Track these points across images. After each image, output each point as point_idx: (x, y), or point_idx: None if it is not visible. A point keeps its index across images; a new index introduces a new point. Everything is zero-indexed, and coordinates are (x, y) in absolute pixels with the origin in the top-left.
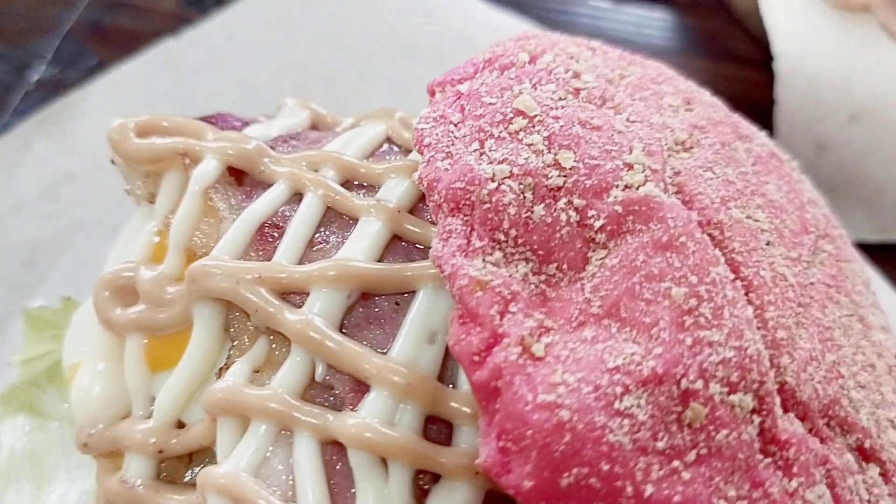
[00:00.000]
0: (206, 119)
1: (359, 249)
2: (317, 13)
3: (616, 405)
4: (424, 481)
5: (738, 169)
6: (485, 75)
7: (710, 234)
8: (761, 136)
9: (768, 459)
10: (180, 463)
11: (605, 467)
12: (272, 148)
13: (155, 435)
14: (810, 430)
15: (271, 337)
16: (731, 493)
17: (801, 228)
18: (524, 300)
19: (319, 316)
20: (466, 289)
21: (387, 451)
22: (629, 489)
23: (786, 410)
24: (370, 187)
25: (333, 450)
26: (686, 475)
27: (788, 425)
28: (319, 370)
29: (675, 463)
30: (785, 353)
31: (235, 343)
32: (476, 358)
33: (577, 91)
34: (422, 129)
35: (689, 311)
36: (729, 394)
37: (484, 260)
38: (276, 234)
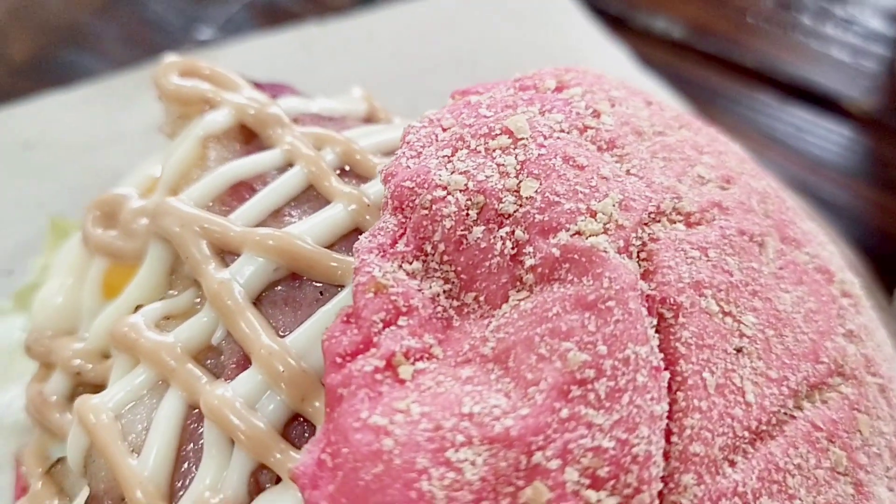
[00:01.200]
0: (259, 84)
1: (311, 229)
2: (457, 31)
3: (448, 454)
4: (265, 478)
5: (746, 262)
6: (501, 90)
7: (659, 313)
8: (826, 248)
9: None
10: (94, 391)
11: None
12: (297, 122)
13: (79, 357)
14: None
15: (199, 291)
16: None
17: (808, 354)
18: (420, 319)
19: (240, 281)
20: (362, 287)
21: (235, 434)
22: None
23: None
24: (362, 179)
25: (196, 418)
26: None
27: None
28: (218, 333)
29: None
30: (692, 471)
31: (172, 289)
32: (338, 360)
33: (585, 129)
34: (410, 128)
35: (580, 382)
36: (588, 488)
37: (400, 265)
38: (247, 196)
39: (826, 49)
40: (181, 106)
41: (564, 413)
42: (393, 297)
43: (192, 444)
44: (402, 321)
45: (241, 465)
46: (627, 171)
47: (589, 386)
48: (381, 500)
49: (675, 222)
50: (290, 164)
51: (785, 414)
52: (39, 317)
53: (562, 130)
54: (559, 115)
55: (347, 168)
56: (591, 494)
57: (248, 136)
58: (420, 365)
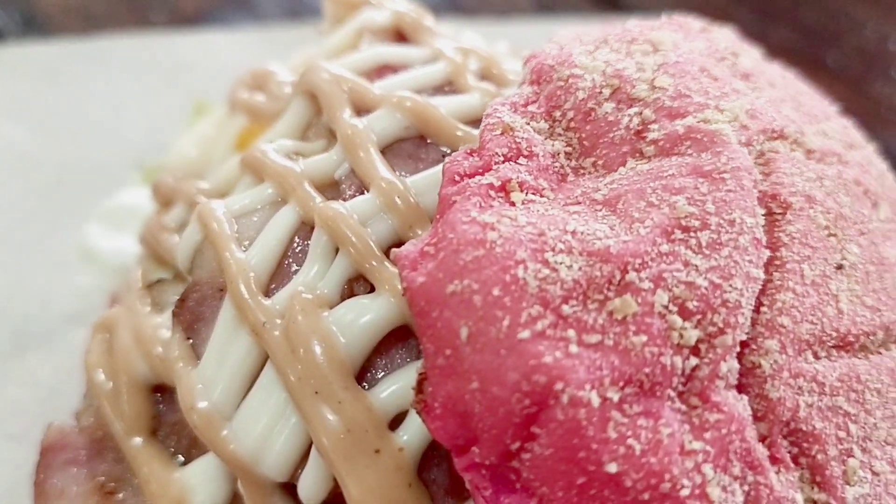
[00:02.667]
0: None
1: (446, 105)
2: None
3: (547, 255)
4: (360, 288)
5: (858, 207)
6: (650, 22)
7: (768, 207)
8: None
9: (680, 405)
10: None
11: (496, 292)
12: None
13: (203, 193)
14: (762, 439)
15: (331, 142)
16: (613, 396)
17: None
18: (539, 164)
19: (372, 130)
20: (490, 126)
21: (343, 240)
22: (505, 322)
23: (739, 391)
24: (499, 88)
25: (305, 233)
26: (573, 349)
27: (730, 398)
28: (341, 169)
29: (570, 332)
30: (777, 339)
31: (305, 140)
32: (456, 177)
33: (723, 58)
34: (563, 34)
35: (684, 228)
36: (675, 313)
37: (528, 122)
38: (389, 74)
39: None
40: (344, 8)
41: (665, 248)
42: (518, 139)
43: (297, 251)
44: (522, 161)
45: (341, 270)
46: (756, 98)
47: (692, 233)
48: (477, 277)
49: (795, 150)
50: (433, 60)
51: (873, 342)
52: (172, 163)
53: (700, 54)
54: (701, 44)
55: (486, 78)
56: (677, 320)
57: (401, 40)
58: (531, 196)
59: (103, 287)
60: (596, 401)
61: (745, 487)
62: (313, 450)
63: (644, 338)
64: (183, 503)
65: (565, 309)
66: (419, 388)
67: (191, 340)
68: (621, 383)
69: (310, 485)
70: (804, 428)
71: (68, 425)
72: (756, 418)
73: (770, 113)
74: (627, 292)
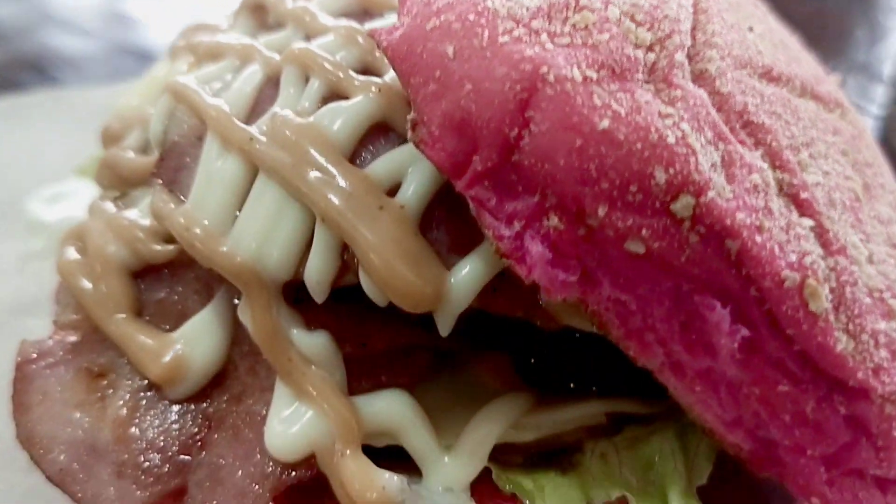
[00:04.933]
0: None
1: None
2: None
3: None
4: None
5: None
6: None
7: None
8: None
9: (650, 87)
10: None
11: (472, 18)
12: None
13: None
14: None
15: None
16: (592, 75)
17: (812, 74)
18: None
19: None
20: None
21: (313, 64)
22: (485, 34)
23: (694, 81)
24: None
25: (273, 85)
26: (549, 46)
27: (690, 85)
28: (295, 42)
29: (543, 37)
30: (715, 50)
31: None
32: None
33: None
34: None
35: None
36: (629, 21)
37: None
38: None
39: None
40: None
41: None
42: None
43: (268, 94)
44: None
45: (315, 90)
46: None
47: None
48: (452, 13)
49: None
50: None
51: (792, 88)
52: (117, 112)
53: None
54: None
55: None
56: (630, 25)
57: None
58: None
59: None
60: (578, 76)
61: (720, 152)
62: (317, 233)
63: (606, 35)
64: (179, 364)
65: (535, 24)
66: (413, 129)
67: (174, 193)
68: (596, 66)
69: (317, 267)
70: (755, 120)
71: (42, 338)
72: (714, 108)
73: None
74: (584, 10)
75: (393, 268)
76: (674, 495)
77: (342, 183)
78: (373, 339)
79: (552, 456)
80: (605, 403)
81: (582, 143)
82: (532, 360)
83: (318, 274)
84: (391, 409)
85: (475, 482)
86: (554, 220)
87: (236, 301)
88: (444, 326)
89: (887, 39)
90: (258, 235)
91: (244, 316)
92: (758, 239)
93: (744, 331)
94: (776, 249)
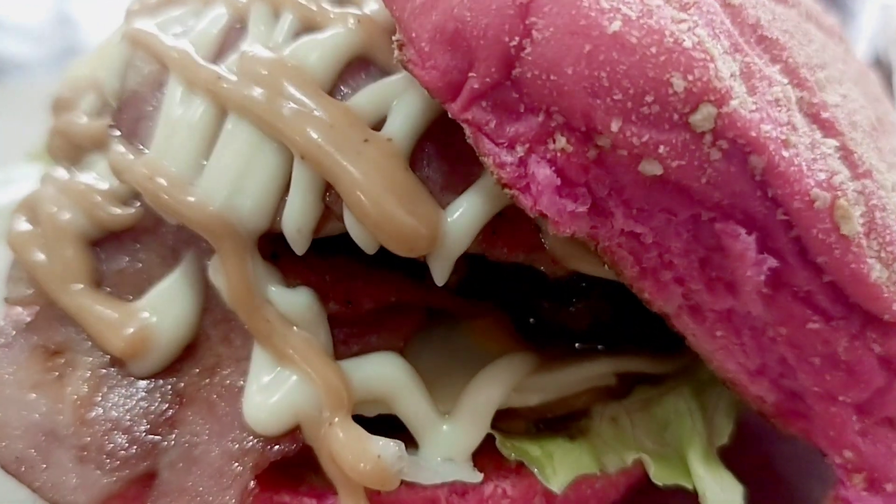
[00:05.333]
0: None
1: None
2: None
3: None
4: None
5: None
6: None
7: None
8: None
9: None
10: None
11: None
12: None
13: None
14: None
15: None
16: None
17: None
18: None
19: None
20: None
21: (283, 2)
22: None
23: None
24: None
25: (238, 27)
26: None
27: None
28: None
29: None
30: None
31: None
32: None
33: None
34: None
35: None
36: None
37: None
38: None
39: None
40: None
41: None
42: None
43: (236, 29)
44: None
45: (287, 25)
46: None
47: None
48: None
49: None
50: None
51: (796, 7)
52: (67, 82)
53: None
54: None
55: None
56: None
57: None
58: None
59: None
60: None
61: (737, 63)
62: (295, 175)
63: None
64: (145, 336)
65: None
66: (400, 49)
67: (134, 144)
68: None
69: (297, 213)
70: (769, 35)
71: None
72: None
73: None
74: None
75: (383, 206)
76: (694, 456)
77: (322, 115)
78: (359, 296)
79: (558, 422)
80: (614, 362)
81: (591, 49)
82: (531, 320)
83: (297, 221)
84: (383, 374)
85: (477, 451)
86: (561, 142)
87: (208, 264)
88: (440, 273)
89: (858, 20)
90: (229, 182)
91: (216, 276)
92: (784, 154)
93: (771, 261)
94: (804, 167)
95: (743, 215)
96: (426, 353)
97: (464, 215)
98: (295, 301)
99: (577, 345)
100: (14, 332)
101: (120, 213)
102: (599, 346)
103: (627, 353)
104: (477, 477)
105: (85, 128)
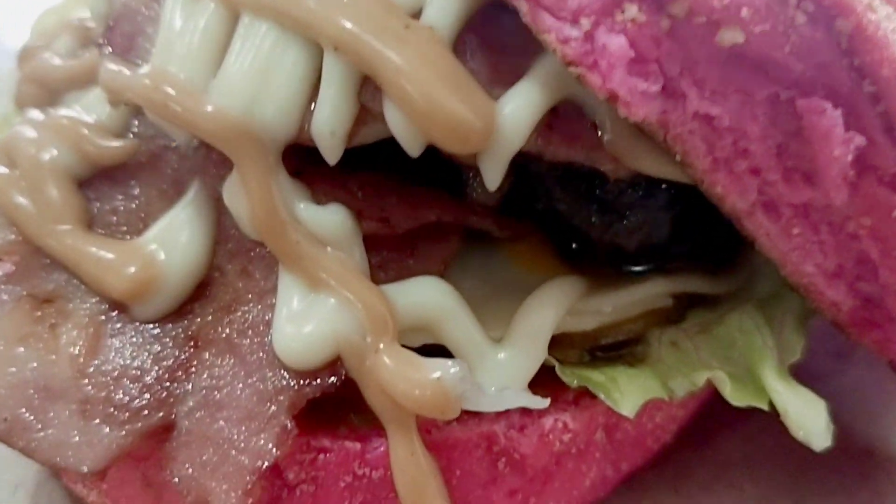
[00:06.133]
0: None
1: None
2: None
3: None
4: None
5: None
6: None
7: None
8: None
9: None
10: None
11: None
12: None
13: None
14: None
15: None
16: None
17: None
18: None
19: None
20: None
21: None
22: None
23: None
24: None
25: None
26: None
27: None
28: None
29: None
30: None
31: None
32: None
33: None
34: None
35: None
36: None
37: None
38: None
39: None
40: None
41: None
42: None
43: None
44: None
45: None
46: None
47: None
48: None
49: None
50: None
51: None
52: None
53: None
54: None
55: None
56: None
57: None
58: None
59: None
60: None
61: None
62: (326, 71)
63: None
64: (150, 274)
65: None
66: None
67: (130, 61)
68: None
69: (329, 114)
70: None
71: None
72: None
73: None
74: None
75: (432, 95)
76: (768, 373)
77: (353, 3)
78: (396, 213)
79: (613, 350)
80: (670, 282)
81: None
82: (573, 245)
83: (330, 122)
84: (428, 298)
85: (532, 380)
86: (631, 11)
87: (220, 190)
88: (494, 176)
89: None
90: (250, 85)
91: (233, 200)
92: (872, 18)
93: (858, 138)
94: (891, 34)
95: (826, 90)
96: (466, 279)
97: (518, 107)
98: (327, 219)
99: (626, 268)
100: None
101: (112, 145)
102: (652, 267)
103: (683, 272)
104: (543, 403)
105: (61, 67)
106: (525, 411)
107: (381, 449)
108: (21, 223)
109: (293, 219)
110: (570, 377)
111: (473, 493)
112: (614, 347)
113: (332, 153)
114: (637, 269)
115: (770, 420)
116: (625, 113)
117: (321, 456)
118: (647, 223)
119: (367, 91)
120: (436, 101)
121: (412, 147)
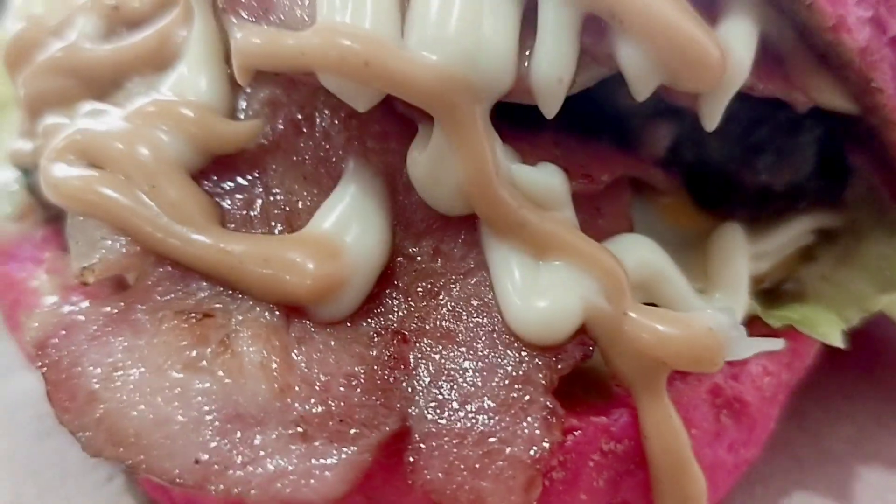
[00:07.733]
0: None
1: None
2: None
3: None
4: None
5: None
6: None
7: None
8: None
9: None
10: None
11: None
12: None
13: None
14: None
15: None
16: None
17: None
18: None
19: None
20: None
21: None
22: None
23: None
24: None
25: None
26: None
27: None
28: None
29: None
30: None
31: None
32: None
33: None
34: None
35: None
36: None
37: None
38: None
39: None
40: None
41: None
42: None
43: None
44: None
45: None
46: None
47: None
48: None
49: None
50: None
51: None
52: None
53: None
54: None
55: None
56: None
57: None
58: None
59: None
60: None
61: None
62: (541, 20)
63: None
64: (334, 269)
65: None
66: None
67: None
68: None
69: (552, 58)
70: None
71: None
72: None
73: None
74: None
75: (681, 27)
76: None
77: None
78: (595, 168)
79: (773, 293)
80: (812, 219)
81: None
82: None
83: (557, 68)
84: (643, 256)
85: None
86: None
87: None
88: (714, 113)
89: None
90: (455, 29)
91: (429, 167)
92: None
93: None
94: None
95: None
96: None
97: (740, 41)
98: (545, 180)
99: (766, 211)
100: (117, 310)
101: (233, 127)
102: (796, 205)
103: (816, 209)
104: (780, 343)
105: (115, 53)
106: (729, 361)
107: (625, 419)
108: (137, 230)
109: (512, 182)
110: (776, 318)
111: (702, 452)
112: (774, 289)
113: (554, 103)
114: (775, 210)
115: None
116: (846, 39)
117: (570, 436)
118: (795, 161)
119: (590, 32)
120: (684, 33)
121: (644, 87)
